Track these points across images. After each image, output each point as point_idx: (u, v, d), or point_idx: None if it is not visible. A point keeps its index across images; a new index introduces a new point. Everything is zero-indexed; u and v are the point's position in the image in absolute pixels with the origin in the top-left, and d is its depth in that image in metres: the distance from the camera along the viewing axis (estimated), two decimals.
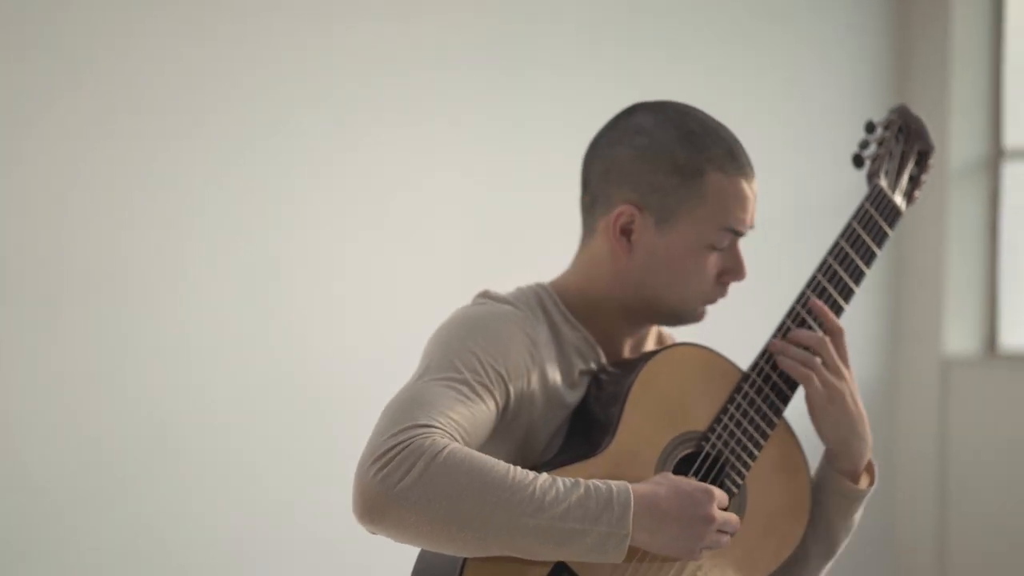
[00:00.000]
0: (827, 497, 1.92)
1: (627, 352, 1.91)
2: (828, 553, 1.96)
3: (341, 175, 3.60)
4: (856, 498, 1.91)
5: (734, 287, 1.89)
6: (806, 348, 1.87)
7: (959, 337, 5.01)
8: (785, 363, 1.85)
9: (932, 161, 2.06)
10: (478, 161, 3.86)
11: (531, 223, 3.85)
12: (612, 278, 1.85)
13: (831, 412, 1.86)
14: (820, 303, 1.89)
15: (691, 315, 1.88)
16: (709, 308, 1.90)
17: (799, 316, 1.88)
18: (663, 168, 1.81)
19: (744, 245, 1.86)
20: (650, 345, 1.97)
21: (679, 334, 2.05)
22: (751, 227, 1.87)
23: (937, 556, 4.98)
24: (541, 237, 3.61)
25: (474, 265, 3.73)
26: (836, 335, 1.88)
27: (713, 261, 1.84)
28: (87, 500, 3.18)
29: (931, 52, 5.01)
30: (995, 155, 5.04)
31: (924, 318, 4.99)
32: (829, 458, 1.92)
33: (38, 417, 3.13)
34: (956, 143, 4.96)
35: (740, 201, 1.83)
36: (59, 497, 3.15)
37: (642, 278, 1.83)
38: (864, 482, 1.93)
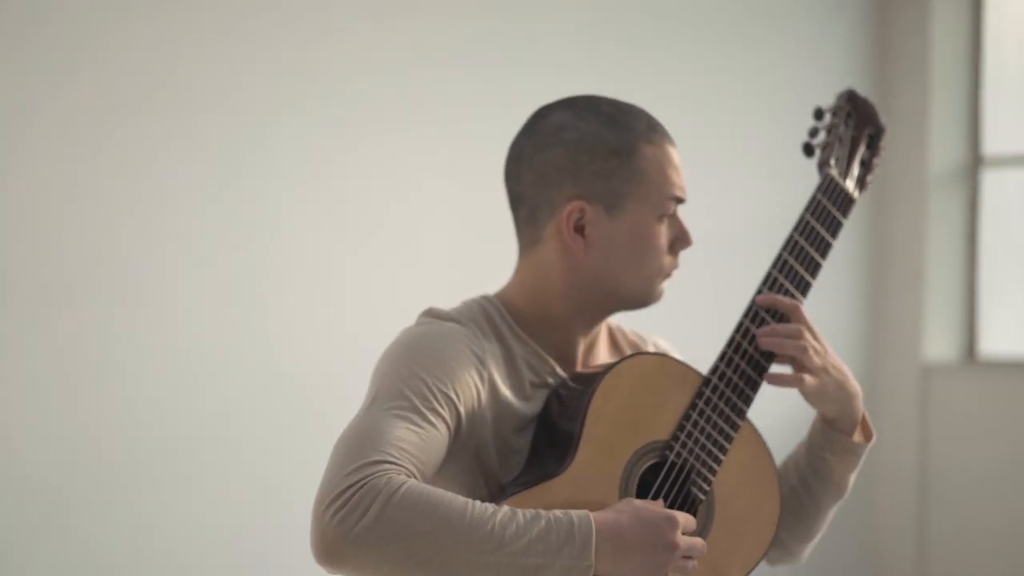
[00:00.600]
0: (833, 456, 1.92)
1: (580, 356, 1.90)
2: (839, 498, 1.97)
3: (335, 179, 3.61)
4: (862, 452, 1.93)
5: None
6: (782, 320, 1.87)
7: (939, 344, 5.02)
8: (773, 342, 1.83)
9: (883, 143, 2.04)
10: (471, 165, 3.86)
11: None
12: (567, 280, 1.84)
13: (828, 381, 1.86)
14: (769, 295, 1.87)
15: (653, 294, 1.87)
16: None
17: (756, 313, 1.86)
18: (600, 155, 1.81)
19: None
20: (603, 345, 1.96)
21: (638, 323, 2.04)
22: (686, 196, 1.88)
23: (917, 563, 4.99)
24: None
25: (467, 268, 3.73)
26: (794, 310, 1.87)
27: (665, 232, 1.85)
28: (83, 501, 3.19)
29: (911, 60, 5.03)
30: (974, 162, 5.06)
31: (904, 325, 5.00)
32: (828, 422, 1.92)
33: (33, 418, 3.14)
34: (936, 150, 4.98)
35: (674, 166, 1.85)
36: (55, 498, 3.16)
37: (603, 269, 1.83)
38: (863, 436, 1.94)
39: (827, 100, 2.04)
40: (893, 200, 4.93)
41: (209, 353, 3.39)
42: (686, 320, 4.20)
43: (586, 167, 1.81)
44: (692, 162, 4.39)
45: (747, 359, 1.84)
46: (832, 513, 2.00)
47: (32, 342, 3.14)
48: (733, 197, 4.63)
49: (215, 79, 3.40)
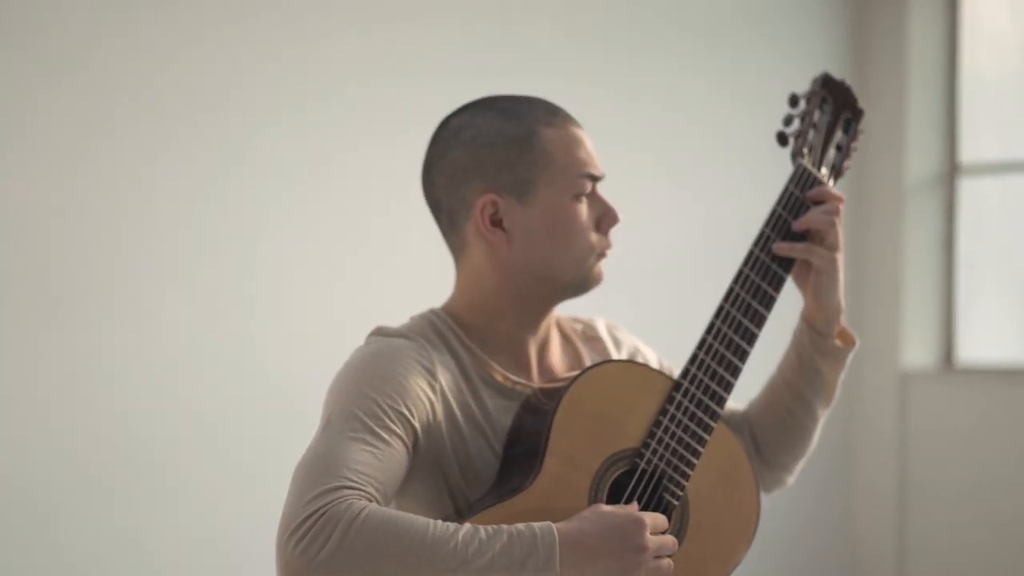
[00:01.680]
0: (823, 361, 1.95)
1: (534, 358, 1.89)
2: (828, 404, 2.01)
3: (325, 183, 3.61)
4: (846, 355, 1.96)
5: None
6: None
7: (917, 351, 5.05)
8: (784, 249, 1.87)
9: (862, 126, 2.02)
10: None
11: None
12: (500, 277, 1.84)
13: (840, 271, 1.89)
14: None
15: (590, 276, 1.86)
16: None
17: (728, 313, 1.84)
18: (500, 145, 1.82)
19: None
20: (555, 344, 1.95)
21: (590, 307, 2.04)
22: (602, 173, 1.87)
23: (897, 569, 5.00)
24: None
25: (451, 278, 3.74)
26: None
27: (585, 212, 1.84)
28: (69, 505, 3.19)
29: (887, 69, 5.05)
30: (951, 170, 5.08)
31: (882, 332, 5.02)
32: (822, 329, 1.93)
33: (20, 421, 3.13)
34: (912, 159, 5.00)
35: (580, 145, 1.83)
36: (40, 502, 3.15)
37: (530, 258, 1.82)
38: (849, 339, 1.97)
39: (808, 87, 2.01)
40: (870, 208, 4.96)
41: (198, 356, 3.39)
42: (660, 320, 4.22)
43: (489, 161, 1.82)
44: (671, 162, 4.43)
45: (720, 360, 1.82)
46: (821, 424, 2.02)
47: (20, 345, 3.14)
48: (711, 198, 4.64)
49: (208, 83, 3.41)
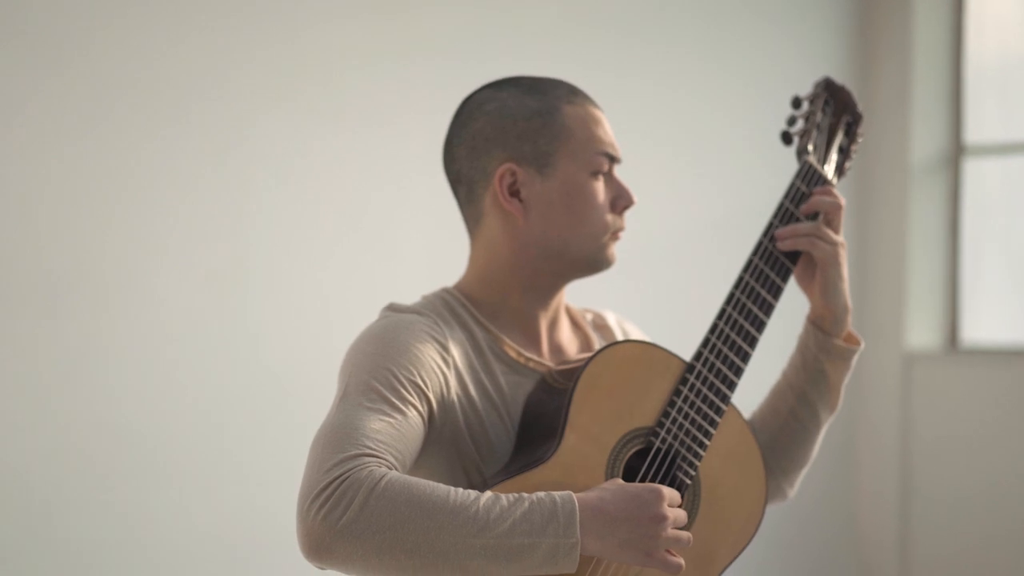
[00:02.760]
0: (828, 361, 1.97)
1: (544, 336, 1.92)
2: (833, 409, 2.03)
3: (316, 174, 3.61)
4: (852, 355, 1.98)
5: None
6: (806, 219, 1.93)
7: (921, 332, 5.05)
8: (788, 243, 1.90)
9: (861, 130, 2.06)
10: (438, 161, 3.87)
11: None
12: (514, 248, 1.87)
13: (844, 267, 1.92)
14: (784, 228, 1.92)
15: (603, 255, 1.89)
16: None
17: (738, 301, 1.88)
18: (522, 117, 1.86)
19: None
20: (564, 325, 1.98)
21: (595, 293, 2.05)
22: (620, 155, 1.91)
23: (900, 549, 5.02)
24: None
25: (448, 262, 3.73)
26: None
27: (602, 190, 1.88)
28: (64, 498, 3.18)
29: (893, 50, 5.05)
30: (956, 152, 5.08)
31: (886, 313, 5.02)
32: (828, 329, 1.96)
33: (13, 415, 3.13)
34: (918, 140, 5.00)
35: (600, 124, 1.88)
36: (36, 496, 3.15)
37: (544, 230, 1.86)
38: (854, 340, 1.99)
39: (810, 90, 2.06)
40: (876, 189, 4.96)
41: (191, 348, 3.39)
42: (662, 307, 4.23)
43: (511, 131, 1.85)
44: (675, 151, 4.43)
45: (731, 346, 1.86)
46: (825, 430, 2.04)
47: (13, 339, 3.13)
48: (715, 188, 4.65)
49: (197, 75, 3.40)
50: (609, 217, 1.88)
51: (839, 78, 2.10)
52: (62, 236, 3.20)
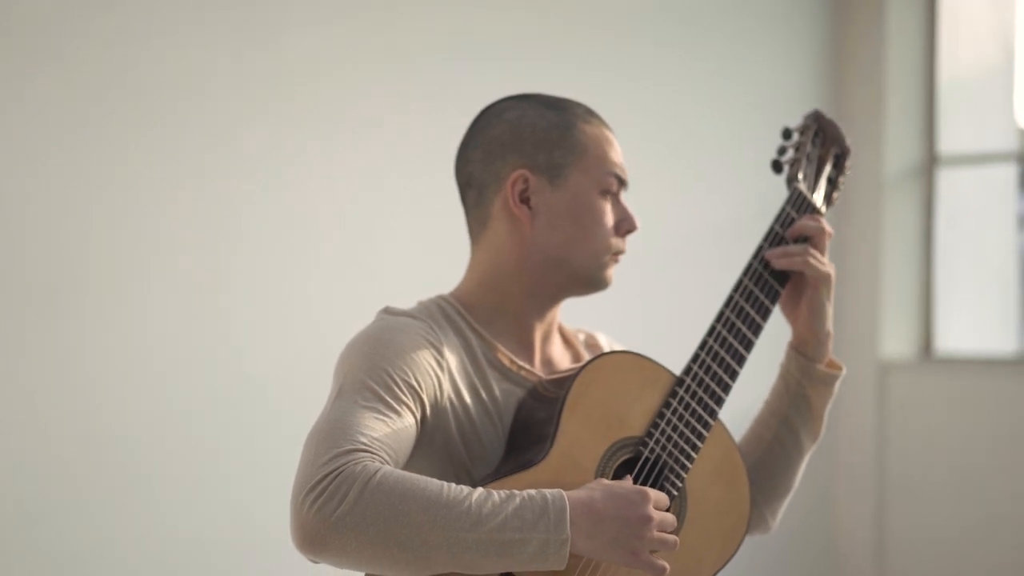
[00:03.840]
0: (811, 387, 2.00)
1: (538, 347, 1.94)
2: (815, 437, 2.05)
3: (298, 179, 3.60)
4: (835, 381, 2.01)
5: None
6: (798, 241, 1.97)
7: (896, 341, 5.08)
8: (782, 262, 1.94)
9: (849, 163, 2.11)
10: (433, 165, 3.87)
11: None
12: (518, 255, 1.90)
13: (832, 292, 1.97)
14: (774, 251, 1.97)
15: (602, 274, 1.92)
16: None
17: (728, 319, 1.92)
18: (540, 126, 1.90)
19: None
20: (557, 339, 2.00)
21: (609, 323, 2.07)
22: (627, 180, 1.95)
23: (876, 557, 5.04)
24: None
25: (429, 268, 3.73)
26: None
27: (609, 209, 1.92)
28: (43, 503, 3.17)
29: (867, 60, 5.08)
30: (930, 161, 5.11)
31: (861, 322, 5.05)
32: (810, 354, 1.99)
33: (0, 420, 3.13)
34: (892, 149, 5.03)
35: (613, 146, 1.93)
36: (14, 501, 3.14)
37: (550, 240, 1.89)
38: (836, 366, 2.02)
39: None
40: (850, 199, 4.99)
41: (172, 353, 3.38)
42: (654, 326, 4.24)
43: (528, 139, 1.89)
44: (651, 165, 4.44)
45: (719, 362, 1.90)
46: (807, 460, 2.06)
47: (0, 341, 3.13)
48: (689, 202, 4.65)
49: (180, 80, 3.39)
50: (613, 239, 1.92)
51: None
52: (44, 242, 3.19)
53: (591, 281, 1.93)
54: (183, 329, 3.40)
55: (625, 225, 1.93)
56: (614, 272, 1.95)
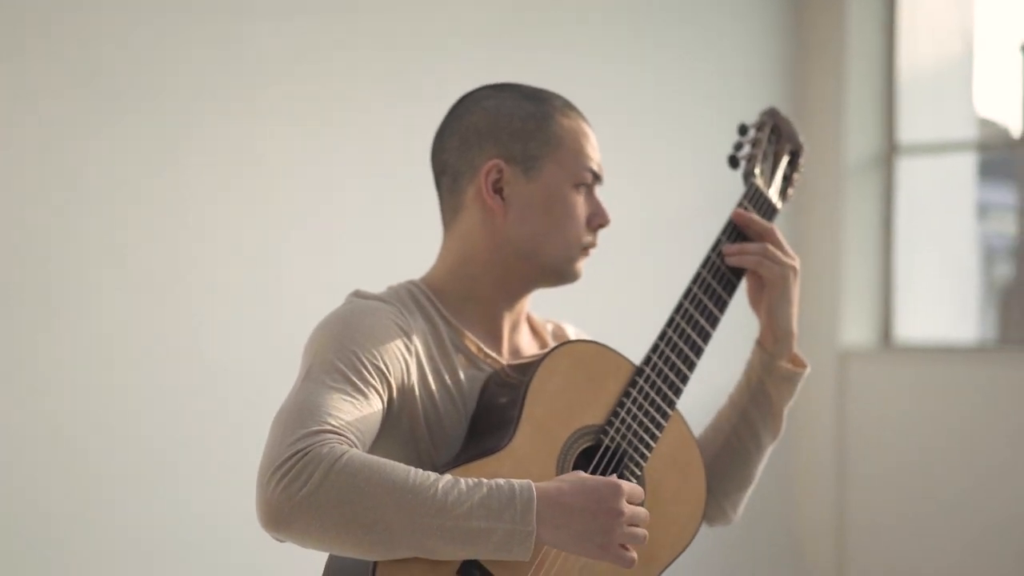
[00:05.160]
0: (772, 384, 2.02)
1: (506, 336, 1.95)
2: (775, 434, 2.07)
3: (258, 173, 3.58)
4: (798, 379, 2.03)
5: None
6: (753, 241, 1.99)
7: (855, 329, 5.12)
8: (735, 259, 1.96)
9: (803, 160, 2.14)
10: (395, 159, 3.87)
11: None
12: (488, 244, 1.90)
13: (792, 291, 1.98)
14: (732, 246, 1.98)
15: (571, 267, 1.93)
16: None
17: (686, 311, 1.94)
18: (517, 116, 1.90)
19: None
20: (525, 337, 2.01)
21: (573, 309, 2.08)
22: (602, 174, 1.96)
23: (836, 543, 5.07)
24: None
25: (391, 261, 3.73)
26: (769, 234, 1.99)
27: (581, 203, 1.92)
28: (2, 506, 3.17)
29: (827, 51, 5.11)
30: (889, 151, 5.15)
31: (821, 310, 5.08)
32: (771, 350, 2.01)
33: None
34: (852, 139, 5.06)
35: (589, 141, 1.94)
36: None
37: (520, 231, 1.89)
38: (800, 364, 2.04)
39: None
40: (810, 188, 5.01)
41: (133, 348, 3.36)
42: (613, 314, 4.25)
43: (505, 128, 1.90)
44: (610, 157, 4.45)
45: (678, 353, 1.92)
46: (767, 456, 2.08)
47: None
48: (650, 193, 4.66)
49: (139, 73, 3.37)
50: (583, 232, 1.93)
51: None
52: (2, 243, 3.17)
53: (560, 274, 1.93)
54: (144, 322, 3.37)
55: (597, 219, 1.94)
56: (583, 266, 1.95)
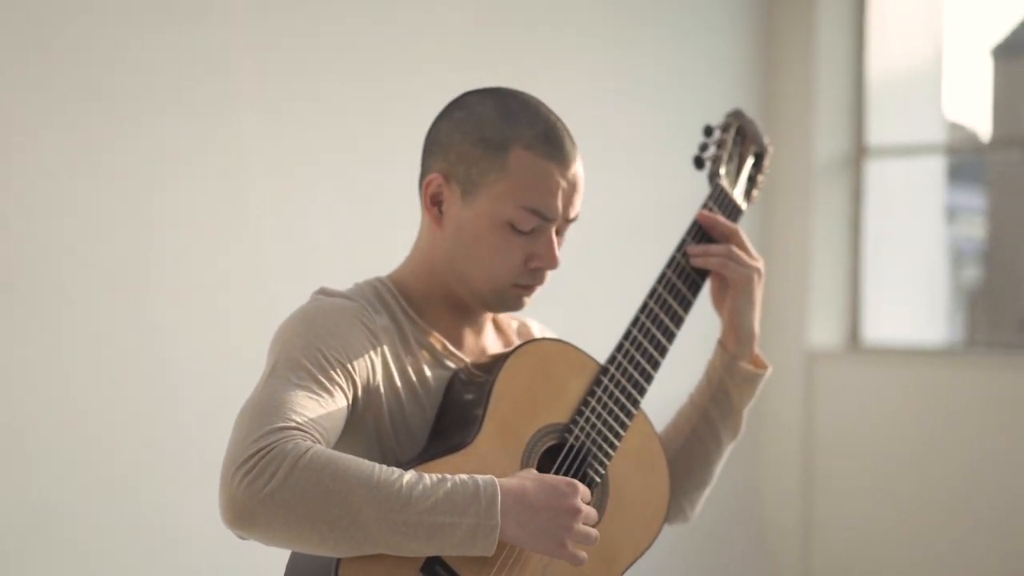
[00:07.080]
0: (732, 384, 2.03)
1: (471, 337, 1.94)
2: (734, 434, 2.08)
3: (214, 169, 3.57)
4: (759, 380, 2.04)
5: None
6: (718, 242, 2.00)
7: (823, 330, 5.13)
8: (700, 260, 1.97)
9: (767, 162, 2.15)
10: (357, 157, 3.86)
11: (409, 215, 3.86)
12: (431, 254, 1.89)
13: (756, 293, 1.99)
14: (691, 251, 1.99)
15: (499, 301, 1.88)
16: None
17: (651, 311, 1.95)
18: (470, 138, 1.84)
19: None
20: (490, 336, 2.00)
21: (544, 307, 2.08)
22: (567, 218, 1.88)
23: (802, 544, 5.09)
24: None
25: (352, 259, 3.73)
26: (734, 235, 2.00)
27: (518, 243, 1.84)
28: None
29: (797, 52, 5.12)
30: (858, 152, 5.16)
31: (789, 311, 5.09)
32: (733, 351, 2.02)
33: None
34: (821, 141, 5.07)
35: (545, 183, 1.82)
36: None
37: (452, 252, 1.86)
38: (761, 365, 2.05)
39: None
40: (779, 189, 5.03)
41: (89, 348, 3.32)
42: (577, 313, 4.25)
43: (455, 145, 1.85)
44: (586, 155, 4.44)
45: (643, 352, 1.92)
46: (726, 455, 2.09)
47: None
48: (616, 194, 4.66)
49: (89, 68, 3.33)
50: (517, 271, 1.85)
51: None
52: None
53: (489, 304, 1.89)
54: (98, 322, 3.33)
55: (534, 262, 1.86)
56: (527, 300, 1.89)
